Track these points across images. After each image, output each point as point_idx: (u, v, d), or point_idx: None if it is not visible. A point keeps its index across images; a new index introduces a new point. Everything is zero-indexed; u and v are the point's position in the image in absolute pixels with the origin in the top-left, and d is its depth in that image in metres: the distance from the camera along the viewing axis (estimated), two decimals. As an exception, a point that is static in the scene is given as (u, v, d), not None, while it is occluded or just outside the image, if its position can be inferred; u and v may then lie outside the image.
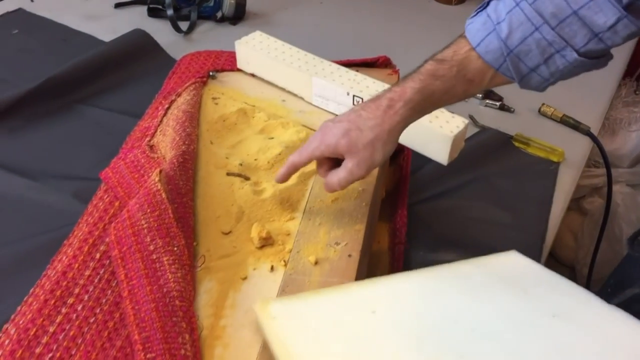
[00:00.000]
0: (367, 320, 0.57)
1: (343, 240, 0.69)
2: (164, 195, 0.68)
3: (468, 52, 0.63)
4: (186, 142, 0.78)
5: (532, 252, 0.91)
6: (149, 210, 0.67)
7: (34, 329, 0.60)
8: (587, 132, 1.16)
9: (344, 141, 0.65)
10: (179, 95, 0.91)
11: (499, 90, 1.24)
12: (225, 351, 0.58)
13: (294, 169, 0.71)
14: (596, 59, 0.61)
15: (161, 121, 0.87)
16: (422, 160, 0.89)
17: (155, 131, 0.86)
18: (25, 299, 0.65)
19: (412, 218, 0.93)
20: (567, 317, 0.57)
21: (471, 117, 1.18)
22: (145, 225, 0.66)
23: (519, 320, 0.57)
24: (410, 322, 0.57)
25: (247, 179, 0.77)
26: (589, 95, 1.29)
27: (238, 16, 1.47)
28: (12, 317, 0.63)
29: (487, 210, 1.00)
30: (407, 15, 1.61)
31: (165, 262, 0.63)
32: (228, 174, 0.78)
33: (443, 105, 0.68)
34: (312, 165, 0.77)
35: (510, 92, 1.24)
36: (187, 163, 0.75)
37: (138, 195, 0.70)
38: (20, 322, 0.61)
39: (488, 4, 0.64)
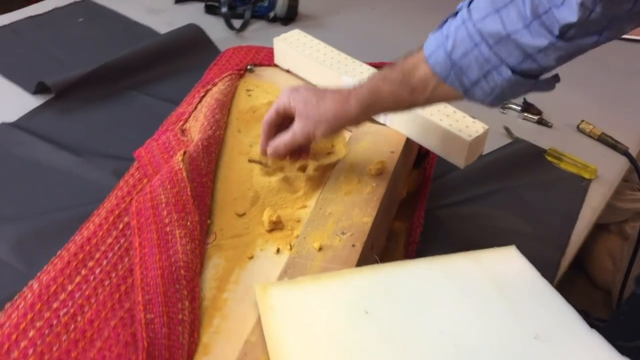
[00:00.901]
0: (359, 321, 0.59)
1: (349, 230, 0.71)
2: (184, 174, 0.72)
3: (419, 61, 0.67)
4: (213, 128, 0.82)
5: (550, 264, 0.91)
6: (169, 187, 0.71)
7: (54, 286, 0.65)
8: (625, 152, 1.14)
9: (300, 106, 0.73)
10: (215, 84, 0.95)
11: (538, 104, 1.24)
12: (223, 322, 0.62)
13: (268, 126, 0.78)
14: (534, 78, 0.64)
15: (195, 108, 0.92)
16: (450, 165, 0.90)
17: (189, 116, 0.91)
18: (51, 259, 0.71)
19: (434, 221, 0.94)
20: (547, 339, 0.59)
21: (506, 129, 1.18)
22: (164, 200, 0.70)
23: (501, 336, 0.59)
24: (399, 328, 0.59)
25: (267, 166, 0.80)
26: (631, 115, 1.27)
27: (290, 17, 1.51)
28: (38, 274, 0.69)
29: (509, 219, 1.00)
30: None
31: (177, 235, 0.67)
32: (250, 161, 0.82)
33: (393, 111, 0.73)
34: (329, 159, 0.81)
35: (549, 106, 1.23)
36: (212, 147, 0.79)
37: (162, 172, 0.75)
38: (44, 279, 0.66)
39: (447, 19, 0.67)
